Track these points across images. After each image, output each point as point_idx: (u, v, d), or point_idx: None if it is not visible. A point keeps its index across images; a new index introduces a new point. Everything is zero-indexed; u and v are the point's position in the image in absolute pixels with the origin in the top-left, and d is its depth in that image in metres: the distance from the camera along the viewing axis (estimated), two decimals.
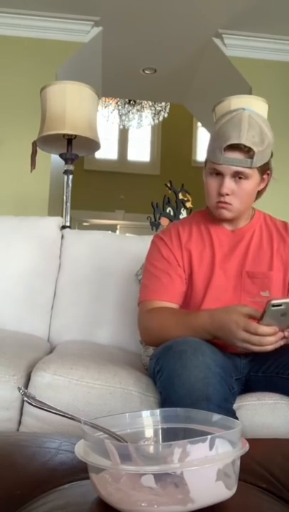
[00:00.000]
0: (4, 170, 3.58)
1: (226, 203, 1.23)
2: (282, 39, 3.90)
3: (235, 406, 1.10)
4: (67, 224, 2.23)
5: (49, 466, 0.64)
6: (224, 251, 1.30)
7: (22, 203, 3.52)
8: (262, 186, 1.31)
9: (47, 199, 3.63)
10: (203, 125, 5.85)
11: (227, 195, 1.22)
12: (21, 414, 1.12)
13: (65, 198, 2.32)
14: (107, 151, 8.02)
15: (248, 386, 1.22)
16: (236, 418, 1.03)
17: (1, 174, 3.57)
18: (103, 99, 6.53)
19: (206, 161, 1.27)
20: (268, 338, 1.01)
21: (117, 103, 6.98)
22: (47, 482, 0.59)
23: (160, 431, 0.51)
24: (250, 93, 3.63)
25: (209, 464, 0.40)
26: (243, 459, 0.55)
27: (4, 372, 1.13)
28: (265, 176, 1.30)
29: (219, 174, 1.22)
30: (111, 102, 6.92)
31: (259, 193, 1.33)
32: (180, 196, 2.96)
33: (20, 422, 1.12)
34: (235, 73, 3.91)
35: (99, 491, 0.42)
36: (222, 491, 0.41)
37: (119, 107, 7.03)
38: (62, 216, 2.20)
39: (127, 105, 7.03)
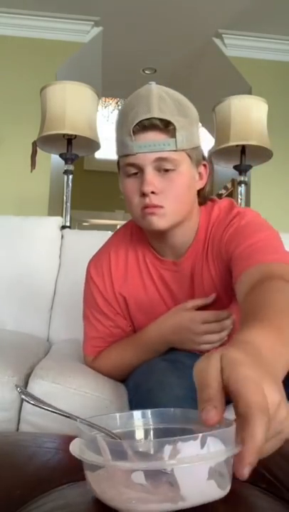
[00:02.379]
0: (4, 170, 3.57)
1: (154, 206, 0.92)
2: (282, 39, 3.90)
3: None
4: (67, 224, 2.23)
5: (49, 466, 0.64)
6: (169, 292, 1.07)
7: (22, 203, 3.52)
8: (201, 184, 1.01)
9: (47, 199, 3.63)
10: (203, 125, 5.84)
11: (153, 193, 0.91)
12: (20, 415, 1.12)
13: (65, 198, 2.32)
14: (107, 151, 7.94)
15: None
16: None
17: (1, 174, 3.57)
18: (103, 99, 6.53)
19: (118, 163, 0.99)
20: (227, 321, 0.96)
21: (117, 103, 6.98)
22: (47, 482, 0.59)
23: (156, 430, 0.50)
24: (250, 93, 3.63)
25: (200, 461, 0.39)
26: None
27: (3, 372, 1.13)
28: (201, 170, 1.00)
29: (137, 172, 0.94)
30: (111, 102, 6.92)
31: (200, 194, 1.03)
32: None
33: (19, 423, 1.12)
34: (235, 73, 3.91)
35: (93, 489, 0.42)
36: (214, 490, 0.40)
37: (119, 107, 7.03)
38: (62, 216, 2.20)
39: None
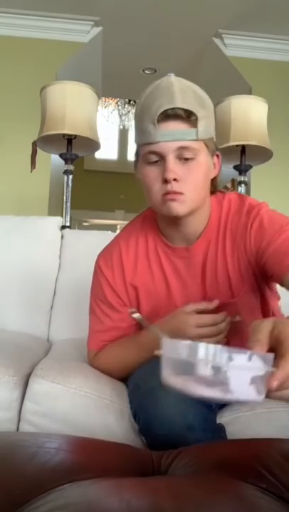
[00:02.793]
0: (4, 170, 3.58)
1: (175, 192, 0.95)
2: (282, 39, 3.90)
3: (226, 419, 1.04)
4: (67, 224, 2.23)
5: (49, 466, 0.64)
6: (180, 280, 1.08)
7: (22, 203, 3.52)
8: (215, 173, 1.05)
9: (47, 199, 3.63)
10: None
11: (175, 180, 0.95)
12: (21, 415, 1.12)
13: (65, 198, 2.32)
14: (107, 151, 8.02)
15: None
16: (224, 432, 0.99)
17: (1, 174, 3.57)
18: (103, 99, 6.54)
19: (137, 152, 1.01)
20: (222, 324, 0.96)
21: (117, 103, 6.99)
22: (47, 482, 0.59)
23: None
24: (250, 93, 3.63)
25: (246, 369, 0.56)
26: (243, 458, 0.56)
27: (4, 372, 1.13)
28: (215, 160, 1.05)
29: (158, 160, 0.97)
30: (111, 102, 6.93)
31: (212, 183, 1.06)
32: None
33: (19, 423, 1.12)
34: (235, 73, 3.91)
35: (173, 381, 0.60)
36: (253, 394, 0.56)
37: (119, 107, 7.04)
38: (62, 216, 2.20)
39: (127, 105, 7.04)
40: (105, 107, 6.93)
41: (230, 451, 0.76)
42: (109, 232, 2.18)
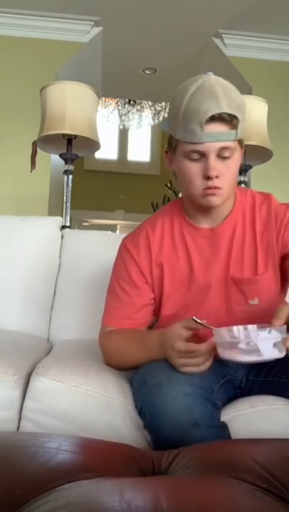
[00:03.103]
0: (4, 170, 3.58)
1: (215, 187, 1.05)
2: (282, 39, 3.90)
3: (228, 417, 1.05)
4: (67, 224, 2.23)
5: (49, 466, 0.64)
6: (204, 258, 1.14)
7: (22, 203, 3.53)
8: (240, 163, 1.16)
9: (47, 199, 3.63)
10: None
11: (216, 177, 1.04)
12: (20, 416, 1.12)
13: (65, 198, 2.32)
14: (107, 151, 8.02)
15: (247, 390, 1.15)
16: (228, 430, 1.00)
17: (1, 174, 3.57)
18: (103, 99, 6.54)
19: (176, 145, 1.08)
20: (204, 355, 0.94)
21: (117, 103, 6.99)
22: (47, 482, 0.59)
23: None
24: (250, 93, 3.63)
25: (268, 339, 0.88)
26: (243, 458, 0.55)
27: (4, 372, 1.13)
28: (242, 151, 1.13)
29: (199, 157, 1.04)
30: (111, 102, 6.93)
31: None
32: (180, 196, 2.97)
33: (20, 421, 1.12)
34: (235, 73, 3.91)
35: (226, 355, 0.92)
36: (277, 353, 0.89)
37: (119, 107, 7.04)
38: (62, 216, 2.20)
39: (127, 105, 7.04)
40: (105, 107, 6.93)
41: (230, 451, 0.76)
42: (109, 232, 2.18)
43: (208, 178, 1.04)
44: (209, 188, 1.05)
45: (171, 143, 1.11)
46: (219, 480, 0.64)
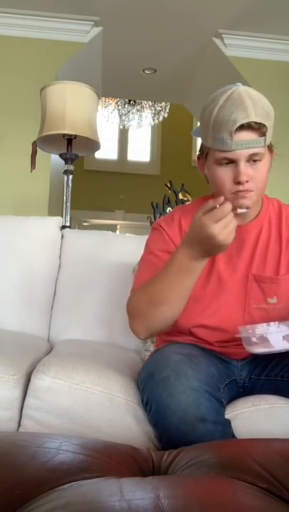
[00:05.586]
0: (4, 170, 3.58)
1: (246, 191, 1.09)
2: (282, 39, 3.90)
3: (230, 415, 1.07)
4: (67, 224, 2.24)
5: (49, 466, 0.64)
6: (227, 253, 1.17)
7: (22, 203, 3.52)
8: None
9: (47, 199, 3.63)
10: None
11: (247, 181, 1.09)
12: (21, 414, 1.12)
13: (65, 198, 2.32)
14: (107, 151, 8.02)
15: (249, 390, 1.17)
16: (231, 428, 1.01)
17: (1, 174, 3.57)
18: (103, 99, 6.53)
19: (207, 152, 1.14)
20: (231, 212, 1.00)
21: (117, 103, 6.98)
22: (47, 482, 0.59)
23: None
24: None
25: (278, 332, 1.03)
26: (243, 458, 0.56)
27: (4, 371, 1.13)
28: (272, 154, 1.20)
29: (230, 162, 1.10)
30: (111, 102, 6.92)
31: None
32: (180, 196, 2.97)
33: (20, 422, 1.12)
34: (235, 73, 3.91)
35: (248, 349, 1.09)
36: (287, 345, 1.02)
37: (119, 107, 7.03)
38: (62, 216, 2.20)
39: (127, 105, 7.03)
40: (105, 107, 6.92)
41: (230, 451, 0.76)
42: (109, 232, 2.18)
43: (238, 183, 1.09)
44: (240, 191, 1.10)
45: (202, 150, 1.16)
46: (219, 480, 0.64)
